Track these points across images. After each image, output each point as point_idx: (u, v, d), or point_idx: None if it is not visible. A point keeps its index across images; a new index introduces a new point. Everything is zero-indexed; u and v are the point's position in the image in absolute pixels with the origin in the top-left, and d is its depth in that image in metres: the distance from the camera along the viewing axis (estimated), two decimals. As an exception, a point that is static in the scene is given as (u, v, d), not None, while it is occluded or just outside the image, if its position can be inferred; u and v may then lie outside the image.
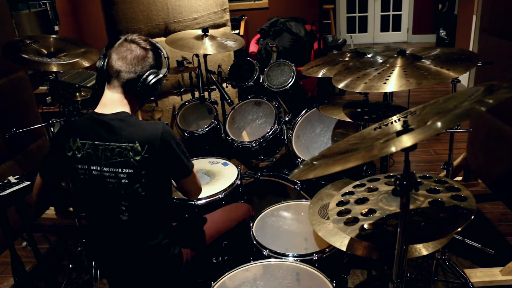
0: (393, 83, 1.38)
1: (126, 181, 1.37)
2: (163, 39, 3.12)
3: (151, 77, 1.43)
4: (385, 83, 1.39)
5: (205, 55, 2.54)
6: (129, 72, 1.41)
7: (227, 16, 3.57)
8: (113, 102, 1.42)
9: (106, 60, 1.43)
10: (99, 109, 1.42)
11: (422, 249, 1.31)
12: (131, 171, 1.36)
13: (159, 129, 1.37)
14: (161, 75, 1.47)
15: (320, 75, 2.01)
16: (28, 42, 2.10)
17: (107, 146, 1.36)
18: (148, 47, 1.45)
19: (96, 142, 1.37)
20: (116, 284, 1.60)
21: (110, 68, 1.42)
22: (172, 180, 1.53)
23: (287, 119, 2.39)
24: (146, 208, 1.42)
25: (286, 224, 1.85)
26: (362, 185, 1.32)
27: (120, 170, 1.36)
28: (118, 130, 1.36)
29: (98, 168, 1.38)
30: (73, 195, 1.52)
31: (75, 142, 1.39)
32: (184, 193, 1.59)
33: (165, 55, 1.54)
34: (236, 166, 2.17)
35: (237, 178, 2.06)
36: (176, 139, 1.41)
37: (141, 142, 1.35)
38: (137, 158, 1.35)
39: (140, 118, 2.24)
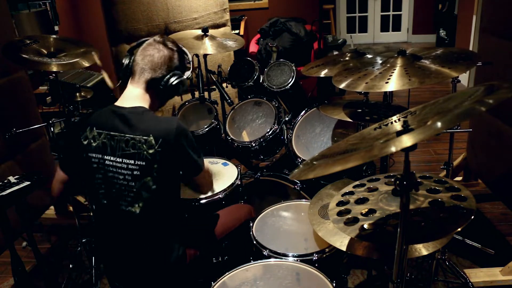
0: (395, 82, 1.38)
1: (138, 173, 1.38)
2: (163, 39, 3.12)
3: (173, 78, 1.47)
4: (387, 82, 1.39)
5: (205, 55, 2.53)
6: (154, 71, 1.45)
7: (227, 16, 3.57)
8: (134, 97, 1.46)
9: (132, 57, 1.48)
10: (119, 103, 1.46)
11: (422, 249, 1.32)
12: (143, 163, 1.37)
13: (173, 124, 1.39)
14: (184, 77, 1.51)
15: (322, 75, 2.01)
16: (28, 42, 2.10)
17: (122, 137, 1.39)
18: (175, 48, 1.50)
19: (112, 133, 1.40)
20: (117, 283, 1.59)
21: (136, 65, 1.46)
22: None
23: (287, 119, 2.39)
24: (156, 203, 1.43)
25: (286, 224, 1.85)
26: (362, 185, 1.32)
27: (132, 161, 1.38)
28: (134, 123, 1.39)
29: (112, 159, 1.40)
30: (83, 186, 1.53)
31: (92, 131, 1.42)
32: (195, 188, 1.61)
33: (190, 59, 1.58)
34: (236, 166, 2.17)
35: (237, 178, 2.06)
36: (189, 136, 1.43)
37: (156, 136, 1.36)
38: (151, 151, 1.36)
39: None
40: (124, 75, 1.50)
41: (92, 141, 1.42)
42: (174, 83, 1.47)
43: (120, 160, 1.39)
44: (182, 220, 1.74)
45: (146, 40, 1.51)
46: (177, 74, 1.48)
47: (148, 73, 1.45)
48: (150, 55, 1.45)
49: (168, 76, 1.47)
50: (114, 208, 1.45)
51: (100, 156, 1.41)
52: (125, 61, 1.49)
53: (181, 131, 1.39)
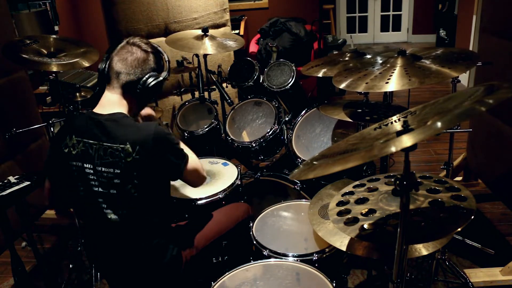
0: (395, 82, 1.37)
1: (118, 181, 1.37)
2: (163, 39, 3.12)
3: (150, 79, 1.44)
4: (387, 82, 1.39)
5: (205, 55, 2.54)
6: (129, 74, 1.42)
7: (227, 16, 3.57)
8: (111, 102, 1.43)
9: (108, 62, 1.44)
10: (97, 109, 1.43)
11: (422, 249, 1.31)
12: (122, 172, 1.36)
13: (151, 130, 1.37)
14: (161, 78, 1.48)
15: (320, 75, 2.01)
16: (28, 42, 2.10)
17: (100, 146, 1.37)
18: (149, 50, 1.47)
19: (90, 141, 1.38)
20: (116, 285, 1.60)
21: (111, 69, 1.43)
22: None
23: (287, 119, 2.39)
24: (140, 209, 1.41)
25: (286, 224, 1.85)
26: (362, 185, 1.32)
27: (111, 170, 1.36)
28: (112, 131, 1.36)
29: (91, 167, 1.38)
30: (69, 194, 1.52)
31: (71, 139, 1.40)
32: (186, 183, 1.58)
33: (166, 59, 1.56)
34: (236, 166, 2.17)
35: (237, 178, 2.06)
36: (169, 140, 1.41)
37: (133, 143, 1.34)
38: (128, 159, 1.34)
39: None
40: (100, 81, 1.48)
41: (72, 149, 1.39)
42: (150, 85, 1.44)
43: (100, 168, 1.37)
44: (177, 220, 1.73)
45: (121, 42, 1.47)
46: (153, 75, 1.45)
47: (123, 77, 1.42)
48: (123, 58, 1.42)
49: (145, 78, 1.44)
50: (98, 216, 1.44)
51: (80, 164, 1.39)
52: (101, 66, 1.46)
53: (159, 136, 1.37)
